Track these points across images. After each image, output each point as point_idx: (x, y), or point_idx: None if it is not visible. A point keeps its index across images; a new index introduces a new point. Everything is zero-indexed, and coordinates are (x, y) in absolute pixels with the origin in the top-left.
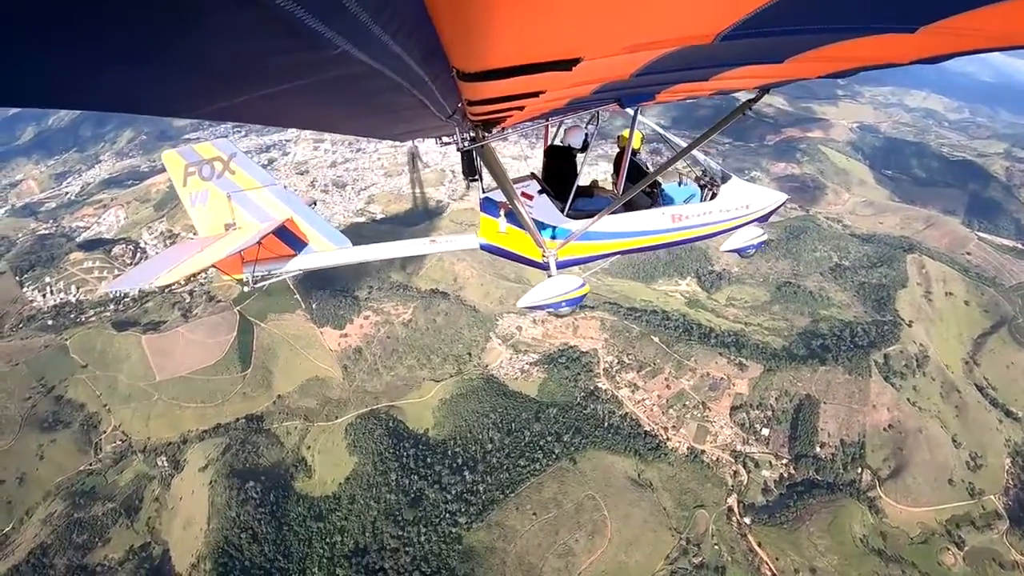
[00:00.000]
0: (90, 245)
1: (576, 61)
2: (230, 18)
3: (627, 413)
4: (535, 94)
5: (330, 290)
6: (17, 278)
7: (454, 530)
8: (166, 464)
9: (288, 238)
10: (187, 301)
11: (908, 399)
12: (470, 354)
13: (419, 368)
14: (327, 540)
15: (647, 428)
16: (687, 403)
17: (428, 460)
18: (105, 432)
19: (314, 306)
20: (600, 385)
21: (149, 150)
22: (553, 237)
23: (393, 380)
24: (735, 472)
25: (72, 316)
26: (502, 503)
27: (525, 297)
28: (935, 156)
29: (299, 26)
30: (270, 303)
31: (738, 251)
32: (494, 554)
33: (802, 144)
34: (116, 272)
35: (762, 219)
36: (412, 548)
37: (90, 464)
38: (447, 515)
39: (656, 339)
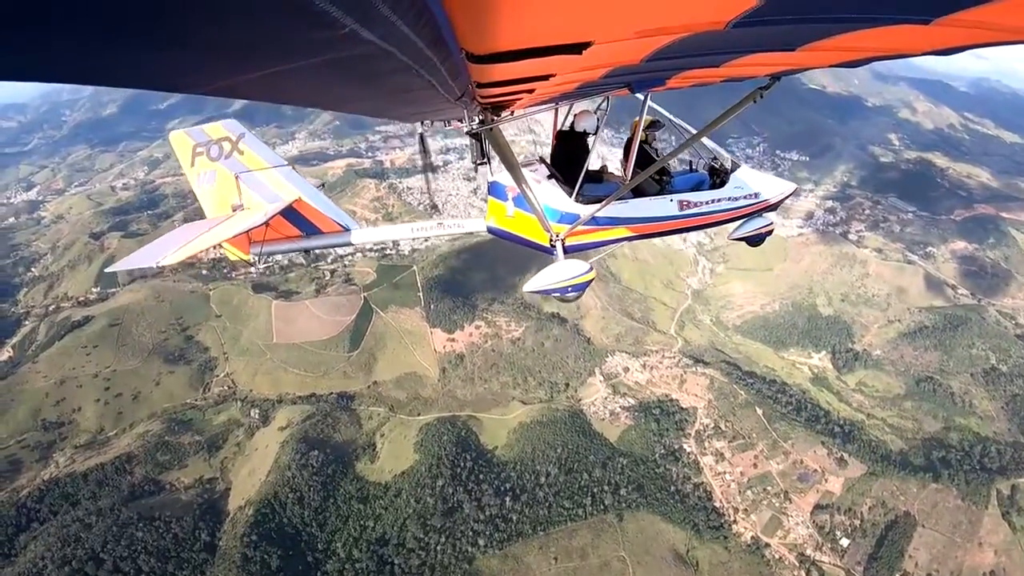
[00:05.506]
0: None
1: (587, 45)
2: None
3: (702, 483)
4: (545, 77)
5: (452, 294)
6: None
7: (471, 549)
8: (257, 416)
9: (296, 219)
10: (326, 278)
11: None
12: (568, 384)
13: (512, 387)
14: (361, 523)
15: (716, 504)
16: (768, 488)
17: (480, 476)
18: (217, 376)
19: (432, 306)
20: (685, 447)
21: (340, 135)
22: (560, 222)
23: (484, 392)
24: None
25: (224, 271)
26: (528, 538)
27: (531, 281)
28: None
29: (306, 5)
30: (395, 295)
31: (746, 239)
32: None
33: (993, 224)
34: None
35: (771, 208)
36: (425, 553)
37: (195, 400)
38: (471, 534)
39: (759, 411)
